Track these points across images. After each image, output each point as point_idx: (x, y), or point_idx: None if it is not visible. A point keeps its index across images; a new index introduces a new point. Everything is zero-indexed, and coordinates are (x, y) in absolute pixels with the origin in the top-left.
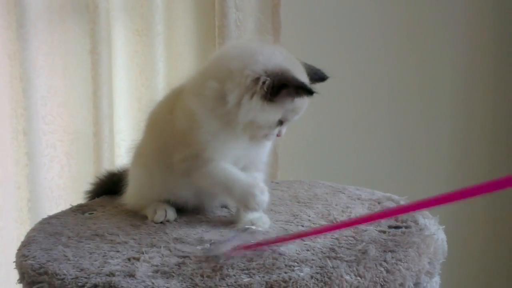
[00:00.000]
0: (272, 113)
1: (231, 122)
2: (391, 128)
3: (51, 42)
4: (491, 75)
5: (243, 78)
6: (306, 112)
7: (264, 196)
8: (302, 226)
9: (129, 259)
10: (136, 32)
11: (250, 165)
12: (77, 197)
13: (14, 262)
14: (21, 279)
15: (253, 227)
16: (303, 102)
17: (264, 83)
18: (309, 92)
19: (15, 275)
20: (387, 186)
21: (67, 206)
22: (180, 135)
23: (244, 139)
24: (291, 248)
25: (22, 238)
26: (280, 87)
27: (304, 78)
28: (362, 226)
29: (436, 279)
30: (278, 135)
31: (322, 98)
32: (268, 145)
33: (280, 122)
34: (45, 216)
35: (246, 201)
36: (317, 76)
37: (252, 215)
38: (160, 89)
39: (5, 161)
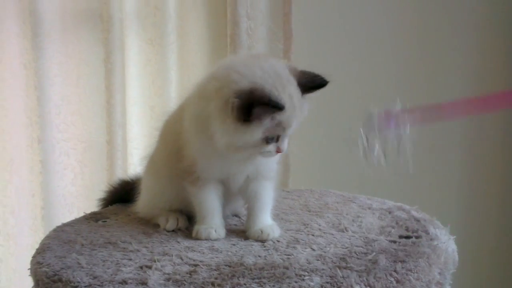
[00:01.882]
0: (250, 133)
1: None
2: None
3: (66, 51)
4: (502, 81)
5: (218, 100)
6: (314, 119)
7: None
8: (313, 235)
9: (141, 267)
10: (149, 41)
11: (258, 175)
12: (90, 205)
13: (28, 269)
14: (36, 286)
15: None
16: (287, 116)
17: (233, 105)
18: (279, 107)
19: (29, 281)
20: (397, 196)
21: (80, 214)
22: (181, 147)
23: (237, 158)
24: (300, 258)
25: (36, 245)
26: (249, 107)
27: (286, 91)
28: (373, 236)
29: None
30: (277, 151)
31: (333, 106)
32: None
33: (268, 139)
34: (58, 223)
35: (198, 233)
36: (314, 84)
37: (262, 224)
38: (173, 98)
39: (21, 168)
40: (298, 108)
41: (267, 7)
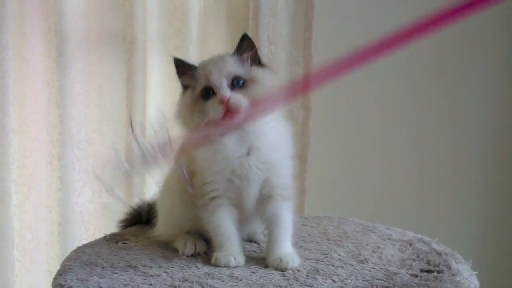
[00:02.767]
0: (183, 94)
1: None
2: (421, 167)
3: (89, 70)
4: None
5: None
6: (331, 143)
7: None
8: (333, 265)
9: None
10: (170, 63)
11: (275, 194)
12: (106, 223)
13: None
14: None
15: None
16: (203, 68)
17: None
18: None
19: None
20: (415, 226)
21: (96, 232)
22: (194, 172)
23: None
24: (322, 286)
25: (51, 261)
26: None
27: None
28: (394, 269)
29: None
30: (220, 102)
31: (352, 133)
32: (285, 168)
33: (203, 96)
34: (74, 240)
35: (217, 261)
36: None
37: (282, 252)
38: None
39: (40, 184)
40: (218, 60)
41: (288, 32)
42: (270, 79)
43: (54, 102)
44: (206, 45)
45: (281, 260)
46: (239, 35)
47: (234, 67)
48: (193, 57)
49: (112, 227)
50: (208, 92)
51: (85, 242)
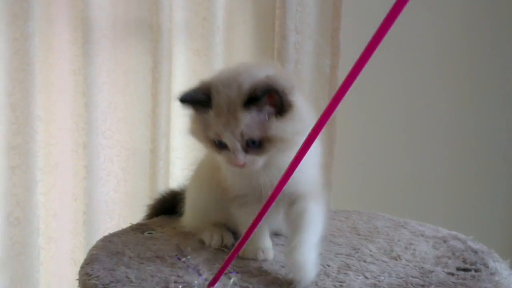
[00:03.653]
0: (191, 120)
1: None
2: (453, 161)
3: (115, 59)
4: None
5: None
6: (357, 137)
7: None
8: (364, 261)
9: (190, 285)
10: (196, 52)
11: (299, 194)
12: (131, 212)
13: (77, 279)
14: None
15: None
16: (212, 117)
17: None
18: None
19: (65, 284)
20: (447, 224)
21: (121, 221)
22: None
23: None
24: (354, 286)
25: (76, 250)
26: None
27: (222, 93)
28: (428, 267)
29: None
30: (230, 163)
31: (380, 125)
32: (307, 171)
33: (216, 143)
34: (99, 229)
35: (245, 253)
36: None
37: (298, 258)
38: None
39: (65, 173)
40: (229, 115)
41: (316, 21)
42: (292, 132)
43: (80, 90)
44: (232, 34)
45: (298, 270)
46: (266, 24)
47: (249, 128)
48: (218, 47)
49: (136, 217)
50: (221, 143)
51: (109, 231)
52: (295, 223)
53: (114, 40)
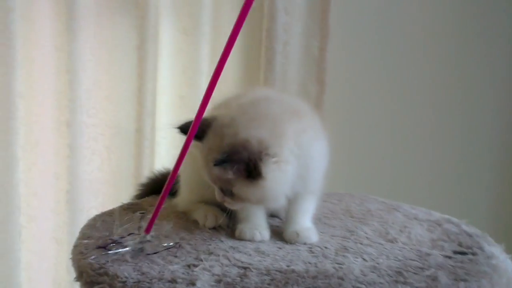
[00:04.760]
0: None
1: None
2: (443, 144)
3: (100, 35)
4: None
5: None
6: (345, 121)
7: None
8: (361, 243)
9: (188, 266)
10: (182, 30)
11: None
12: (116, 191)
13: (70, 258)
14: (79, 277)
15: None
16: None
17: None
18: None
19: (47, 264)
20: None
21: (105, 200)
22: None
23: None
24: (354, 268)
25: (58, 228)
26: None
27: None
28: (425, 250)
29: None
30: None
31: (369, 109)
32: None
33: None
34: (82, 208)
35: (241, 233)
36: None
37: (299, 226)
38: (203, 89)
39: (47, 151)
40: (208, 160)
41: (305, 2)
42: (256, 198)
43: (63, 67)
44: (220, 13)
45: (297, 235)
46: (254, 4)
47: (218, 180)
48: (205, 26)
49: (121, 196)
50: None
51: (93, 210)
52: (293, 204)
53: (98, 16)
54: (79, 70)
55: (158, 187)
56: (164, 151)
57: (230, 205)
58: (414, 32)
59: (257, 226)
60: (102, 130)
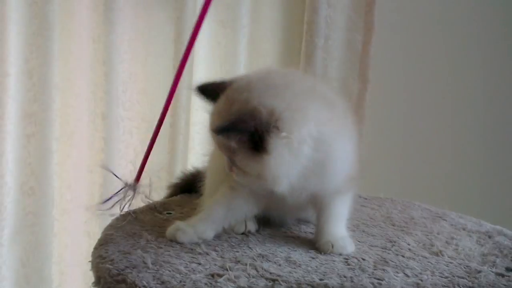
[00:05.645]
0: None
1: None
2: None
3: (137, 28)
4: None
5: None
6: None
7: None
8: (403, 256)
9: (212, 275)
10: (220, 23)
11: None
12: (148, 187)
13: (89, 261)
14: (97, 282)
15: None
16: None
17: None
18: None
19: (79, 258)
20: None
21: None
22: None
23: None
24: (395, 285)
25: (90, 222)
26: None
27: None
28: (475, 265)
29: None
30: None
31: (414, 108)
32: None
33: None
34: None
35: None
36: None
37: (332, 236)
38: None
39: (81, 144)
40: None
41: None
42: (257, 172)
43: (100, 59)
44: (259, 5)
45: (332, 246)
46: None
47: (222, 146)
48: (244, 19)
49: (154, 192)
50: None
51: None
52: (323, 209)
53: (136, 8)
54: (116, 62)
55: (189, 188)
56: (198, 146)
57: (238, 176)
58: (465, 26)
59: (197, 230)
60: (137, 124)
